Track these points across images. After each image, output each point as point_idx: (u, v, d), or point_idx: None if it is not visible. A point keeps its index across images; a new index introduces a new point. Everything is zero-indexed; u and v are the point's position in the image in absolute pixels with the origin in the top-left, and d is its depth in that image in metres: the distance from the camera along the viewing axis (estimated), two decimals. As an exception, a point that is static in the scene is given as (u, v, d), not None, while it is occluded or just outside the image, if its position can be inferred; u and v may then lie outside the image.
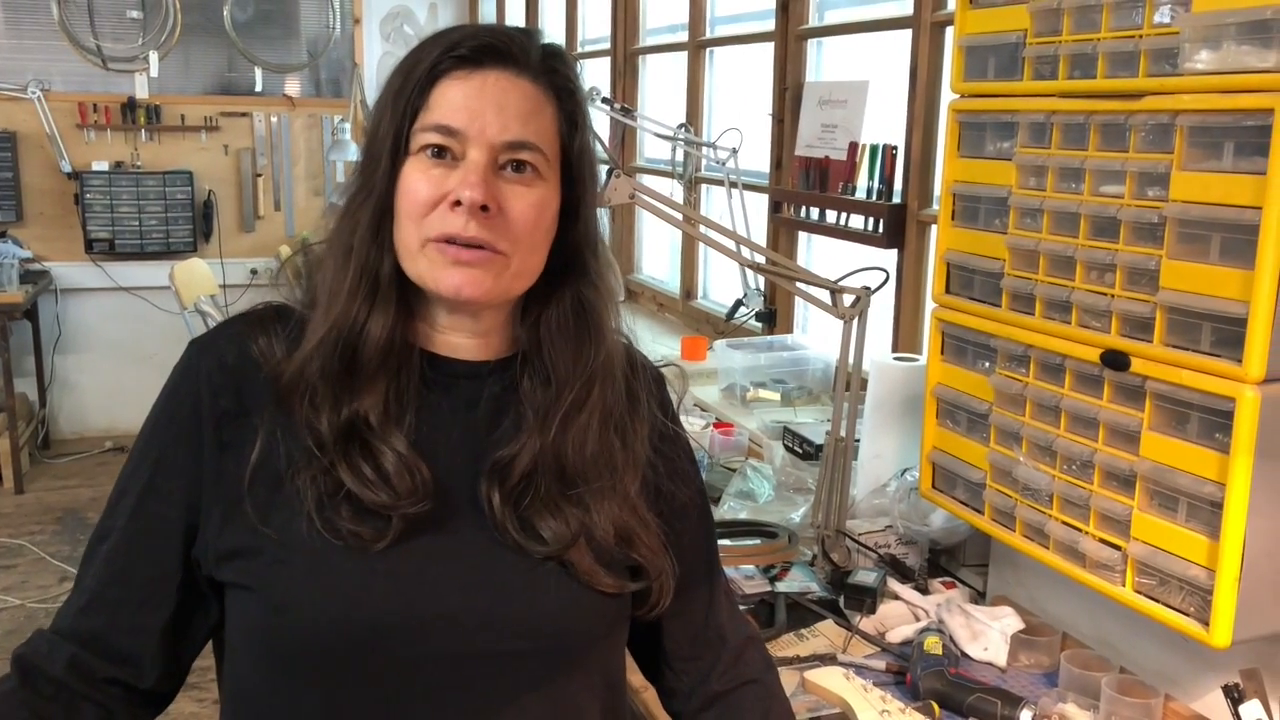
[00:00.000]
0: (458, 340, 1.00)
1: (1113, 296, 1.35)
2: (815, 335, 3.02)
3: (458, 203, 0.91)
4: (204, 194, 5.33)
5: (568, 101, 0.99)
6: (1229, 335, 1.22)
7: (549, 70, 0.97)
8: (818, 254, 3.09)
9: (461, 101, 0.93)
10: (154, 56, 5.14)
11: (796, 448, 2.39)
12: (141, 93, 5.19)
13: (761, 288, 3.09)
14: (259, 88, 5.46)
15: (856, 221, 2.62)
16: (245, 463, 0.92)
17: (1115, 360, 1.35)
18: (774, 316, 3.13)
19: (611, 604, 0.99)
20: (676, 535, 1.06)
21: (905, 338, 2.48)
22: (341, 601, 0.89)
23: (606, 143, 2.99)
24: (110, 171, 5.15)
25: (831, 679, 1.28)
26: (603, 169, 1.35)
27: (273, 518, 0.91)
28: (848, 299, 1.80)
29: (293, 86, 5.54)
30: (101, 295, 5.19)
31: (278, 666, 0.93)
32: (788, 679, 1.16)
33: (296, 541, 0.90)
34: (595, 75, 4.42)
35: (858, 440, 2.04)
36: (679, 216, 1.86)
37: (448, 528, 0.94)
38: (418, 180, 0.93)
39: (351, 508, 0.91)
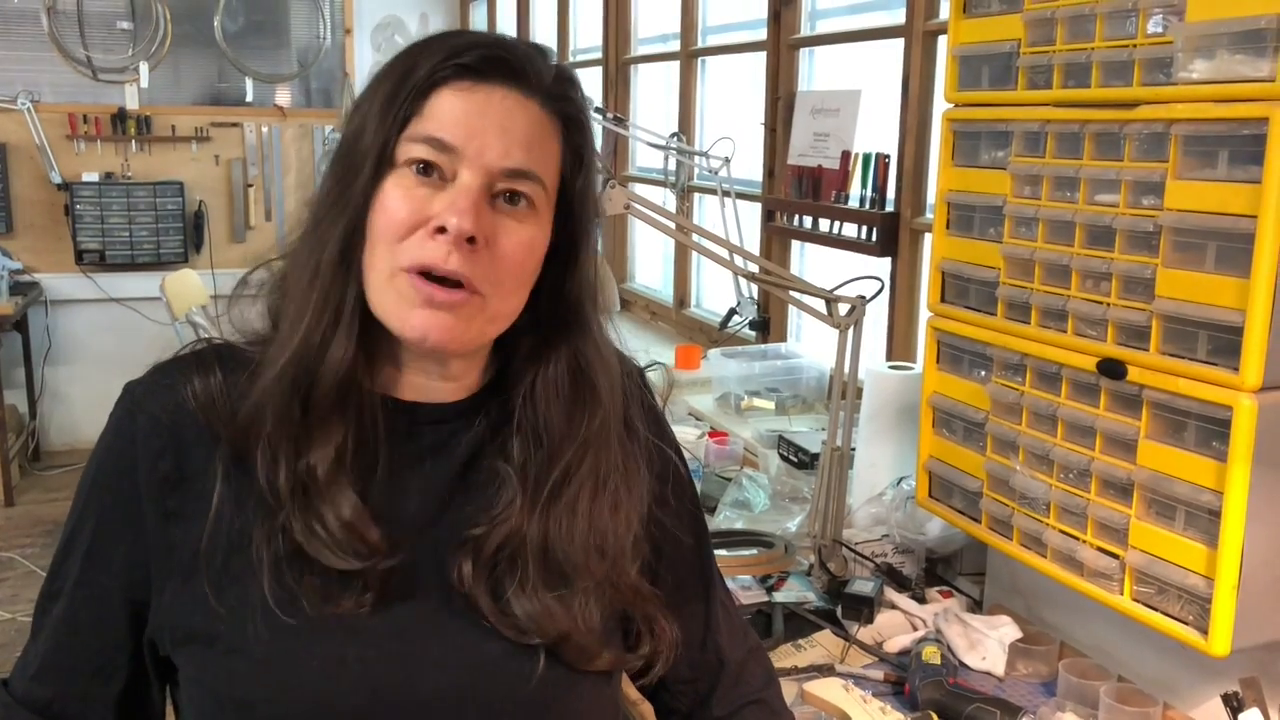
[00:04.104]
0: (424, 383, 0.91)
1: (1109, 305, 1.36)
2: (809, 344, 3.02)
3: (441, 229, 0.81)
4: (195, 204, 5.32)
5: (575, 133, 0.89)
6: (1225, 344, 1.22)
7: (560, 96, 0.88)
8: (811, 263, 3.09)
9: (461, 116, 0.82)
10: (144, 67, 5.14)
11: (792, 456, 2.39)
12: (132, 103, 5.18)
13: (755, 296, 3.09)
14: (250, 98, 5.45)
15: (850, 230, 2.62)
16: (195, 532, 0.84)
17: (1112, 369, 1.35)
18: (768, 325, 3.13)
19: (607, 679, 0.94)
20: (670, 561, 1.01)
21: (899, 346, 2.48)
22: (307, 695, 0.82)
23: (599, 149, 2.99)
24: (100, 182, 5.13)
25: (830, 690, 1.28)
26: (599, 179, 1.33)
27: (227, 592, 0.83)
28: (843, 308, 1.80)
29: (283, 97, 5.54)
30: (92, 306, 5.17)
31: None
32: (786, 690, 1.15)
33: (252, 625, 0.82)
34: (587, 85, 4.40)
35: (853, 449, 2.04)
36: (674, 226, 1.86)
37: (418, 598, 0.85)
38: (398, 199, 0.82)
39: (308, 570, 0.82)
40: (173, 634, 0.86)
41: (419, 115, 0.83)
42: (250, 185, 5.42)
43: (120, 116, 5.15)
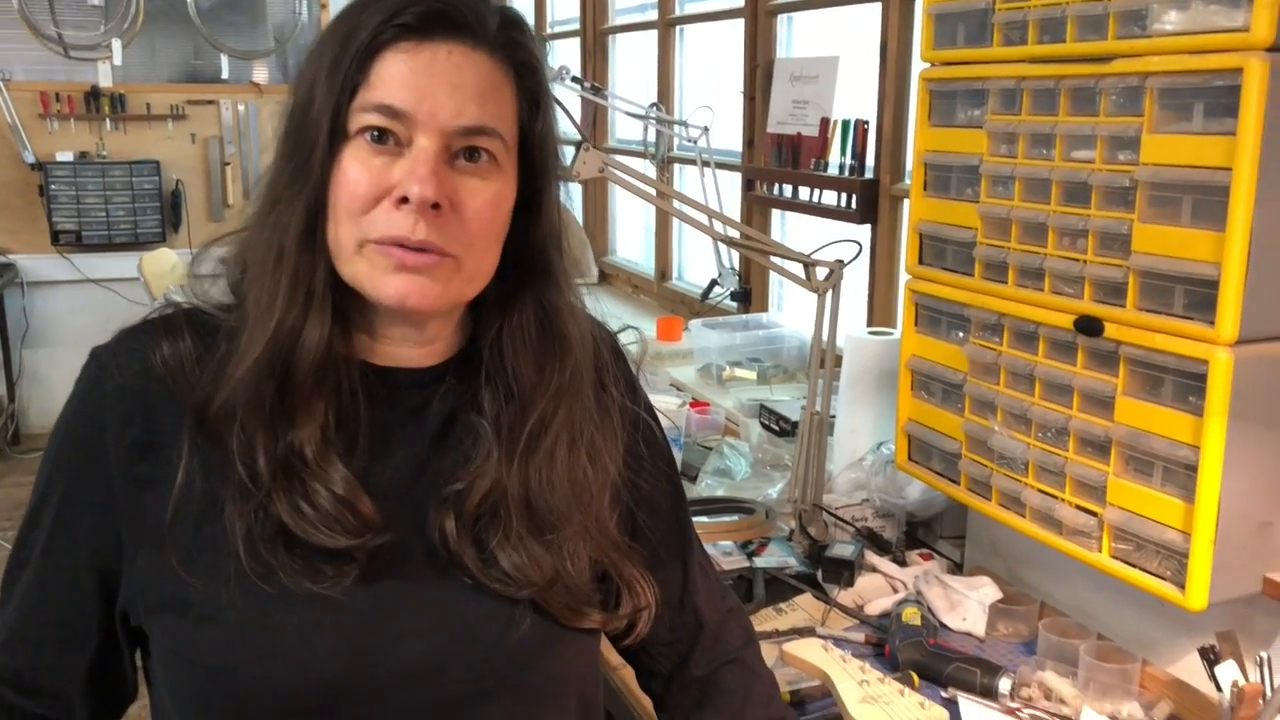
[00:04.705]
0: (400, 349, 0.89)
1: (1085, 262, 1.35)
2: (791, 313, 3.01)
3: (404, 199, 0.79)
4: (172, 183, 5.26)
5: (528, 78, 0.86)
6: (1201, 298, 1.22)
7: (508, 42, 0.85)
8: (791, 232, 3.08)
9: (409, 79, 0.80)
10: (117, 44, 5.06)
11: (773, 425, 2.39)
12: (105, 81, 5.11)
13: (736, 267, 3.08)
14: (225, 75, 5.38)
15: (829, 198, 2.61)
16: (166, 499, 0.82)
17: (1089, 326, 1.34)
18: (749, 296, 3.12)
19: (590, 637, 0.94)
20: (647, 521, 1.00)
21: (880, 312, 2.48)
22: (285, 664, 0.81)
23: (578, 121, 2.96)
24: (75, 162, 5.06)
25: (810, 651, 1.28)
26: (568, 147, 1.30)
27: (198, 562, 0.82)
28: (821, 272, 1.79)
29: (260, 74, 5.47)
30: (69, 288, 5.11)
31: None
32: (766, 653, 1.15)
33: (225, 592, 0.80)
34: (565, 56, 4.39)
35: (834, 416, 2.04)
36: (650, 191, 1.84)
37: (397, 562, 0.84)
38: (357, 171, 0.80)
39: (289, 549, 0.81)
40: (145, 602, 0.85)
41: (366, 83, 0.81)
42: (228, 164, 5.36)
43: (94, 95, 5.08)
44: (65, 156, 5.07)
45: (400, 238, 0.80)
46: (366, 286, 0.83)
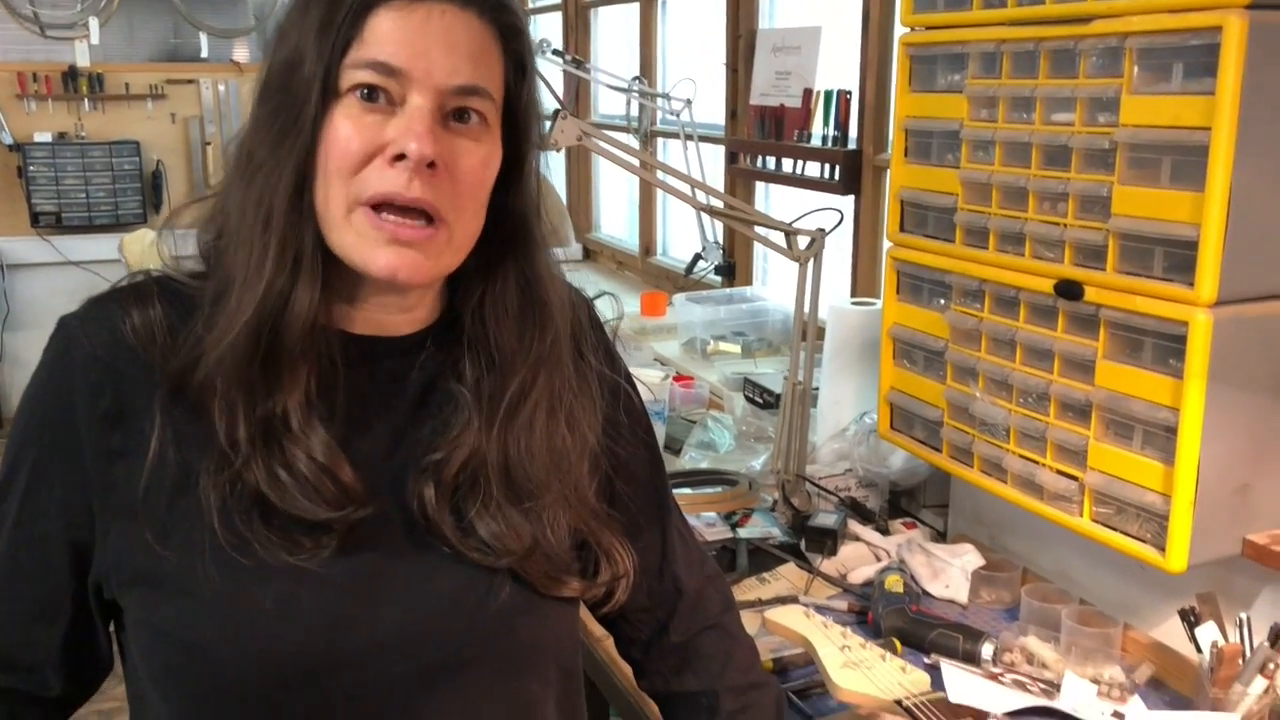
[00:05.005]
0: (381, 317, 0.88)
1: (1065, 226, 1.34)
2: (775, 287, 3.01)
3: (399, 157, 0.78)
4: (152, 164, 5.21)
5: (514, 41, 0.85)
6: (1181, 259, 1.21)
7: (495, 5, 0.84)
8: (775, 204, 3.07)
9: (403, 36, 0.78)
10: (94, 23, 5.00)
11: (757, 398, 2.38)
12: (83, 61, 5.05)
13: (720, 241, 3.07)
14: (205, 54, 5.33)
15: (813, 169, 2.59)
16: (139, 471, 0.81)
17: (1069, 290, 1.34)
18: (733, 270, 3.11)
19: (568, 606, 0.93)
20: (625, 489, 1.00)
21: (863, 284, 2.47)
22: (261, 637, 0.79)
23: (561, 95, 2.94)
24: (54, 143, 5.01)
25: (791, 617, 1.27)
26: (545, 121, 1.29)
27: (173, 535, 0.80)
28: (803, 241, 1.78)
29: (240, 52, 5.42)
30: (50, 270, 5.07)
31: (192, 706, 0.83)
32: (750, 622, 1.14)
33: (201, 565, 0.79)
34: (547, 29, 4.35)
35: (817, 388, 2.04)
36: (630, 160, 1.83)
37: (375, 533, 0.83)
38: (349, 130, 0.79)
39: (265, 520, 0.80)
40: (119, 575, 0.84)
41: (359, 39, 0.79)
42: (209, 143, 5.31)
43: (71, 75, 5.02)
44: (43, 137, 5.02)
45: (393, 194, 0.79)
46: (355, 257, 0.81)
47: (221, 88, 5.32)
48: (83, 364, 0.83)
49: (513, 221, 0.89)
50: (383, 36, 0.79)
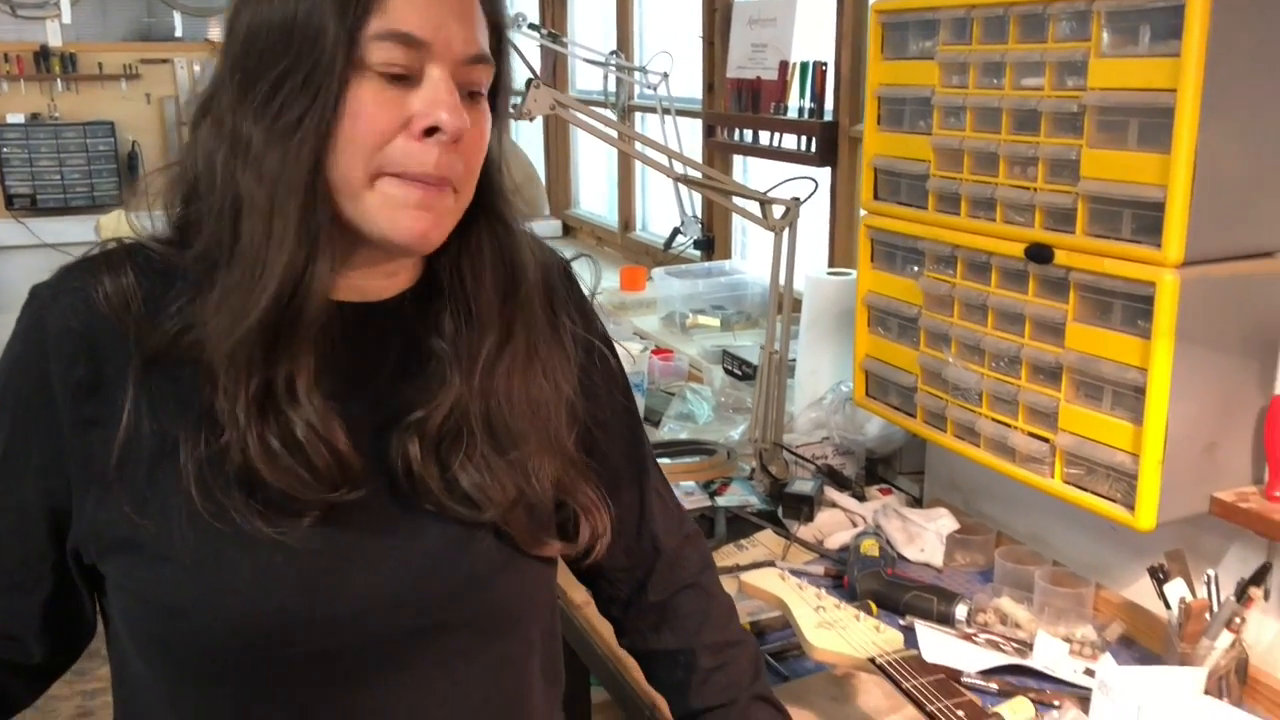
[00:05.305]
0: (366, 283, 0.88)
1: (1035, 190, 1.35)
2: (754, 260, 3.01)
3: (430, 130, 0.78)
4: (128, 145, 5.17)
5: (491, 3, 0.86)
6: (1149, 221, 1.22)
7: None
8: (754, 178, 3.07)
9: (422, 5, 0.78)
10: (66, 2, 4.95)
11: (735, 370, 2.39)
12: (55, 40, 4.99)
13: (699, 215, 3.07)
14: (179, 33, 5.28)
15: (789, 141, 2.60)
16: (113, 441, 0.80)
17: (1039, 253, 1.35)
18: (712, 244, 3.12)
19: (547, 566, 0.94)
20: (602, 447, 1.01)
21: (841, 255, 2.48)
22: (239, 599, 0.80)
23: (539, 71, 2.92)
24: (27, 124, 4.96)
25: (766, 580, 1.29)
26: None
27: (150, 504, 0.80)
28: (778, 211, 1.79)
29: (215, 31, 5.35)
30: (26, 253, 5.01)
31: (174, 671, 0.84)
32: (727, 587, 1.15)
33: (179, 532, 0.79)
34: (523, 3, 4.33)
35: (794, 359, 2.05)
36: (606, 131, 1.83)
37: (360, 498, 0.83)
38: (375, 104, 0.78)
39: (247, 491, 0.79)
40: (98, 543, 0.84)
41: (379, 9, 0.77)
42: (184, 123, 5.27)
43: (43, 54, 4.97)
44: (16, 118, 4.97)
45: (424, 173, 0.79)
46: (380, 222, 0.80)
47: (196, 67, 5.27)
48: (56, 333, 0.83)
49: (485, 180, 0.90)
50: (402, 5, 0.78)
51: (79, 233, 4.77)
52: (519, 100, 1.65)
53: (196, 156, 0.84)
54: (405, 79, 0.79)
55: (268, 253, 0.79)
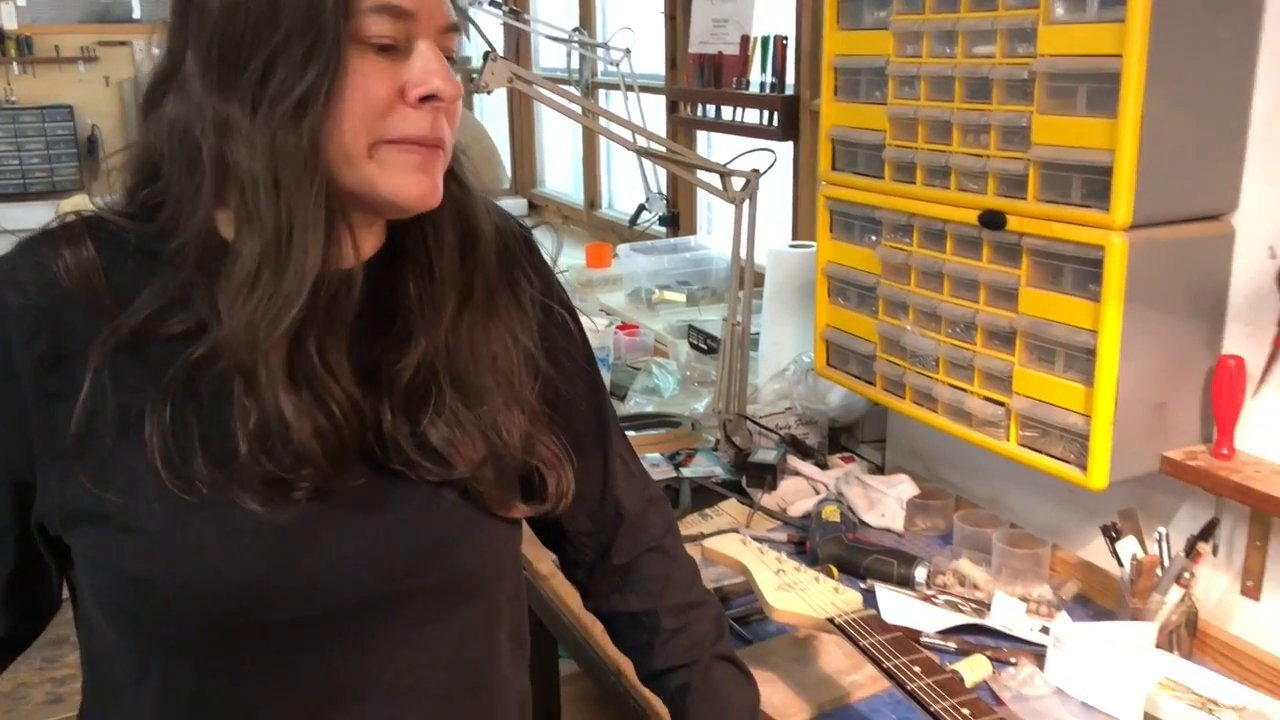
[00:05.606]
0: (339, 251, 0.87)
1: (988, 158, 1.37)
2: (719, 236, 3.02)
3: (427, 97, 0.80)
4: (87, 129, 5.12)
5: None
6: (1097, 185, 1.25)
7: None
8: (718, 153, 3.08)
9: None
10: (20, -16, 4.88)
11: (701, 344, 2.41)
12: (10, 23, 4.92)
13: (664, 191, 3.08)
14: (137, 14, 5.22)
15: (752, 116, 2.61)
16: (77, 413, 0.80)
17: (992, 220, 1.37)
18: (677, 219, 3.13)
19: (512, 527, 0.95)
20: (564, 409, 1.01)
21: (804, 228, 2.50)
22: (207, 569, 0.80)
23: (501, 49, 2.90)
24: (-17, 108, 4.91)
25: (728, 545, 1.30)
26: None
27: (116, 475, 0.81)
28: (738, 183, 1.80)
29: (173, 12, 5.30)
30: (-14, 239, 4.98)
31: (142, 639, 0.84)
32: (690, 554, 1.17)
33: (144, 503, 0.79)
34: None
35: (757, 332, 2.06)
36: (567, 105, 1.83)
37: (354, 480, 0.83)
38: (372, 76, 0.79)
39: (216, 465, 0.79)
40: (62, 515, 0.84)
41: None
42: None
43: (-1, 37, 4.91)
44: (-28, 103, 4.91)
45: (422, 137, 0.81)
46: (384, 187, 0.82)
47: (156, 49, 5.20)
48: (16, 308, 0.82)
49: None
50: None
51: (39, 218, 4.63)
52: (476, 75, 1.66)
53: (162, 136, 0.83)
54: (393, 49, 0.81)
55: (294, 232, 0.78)
